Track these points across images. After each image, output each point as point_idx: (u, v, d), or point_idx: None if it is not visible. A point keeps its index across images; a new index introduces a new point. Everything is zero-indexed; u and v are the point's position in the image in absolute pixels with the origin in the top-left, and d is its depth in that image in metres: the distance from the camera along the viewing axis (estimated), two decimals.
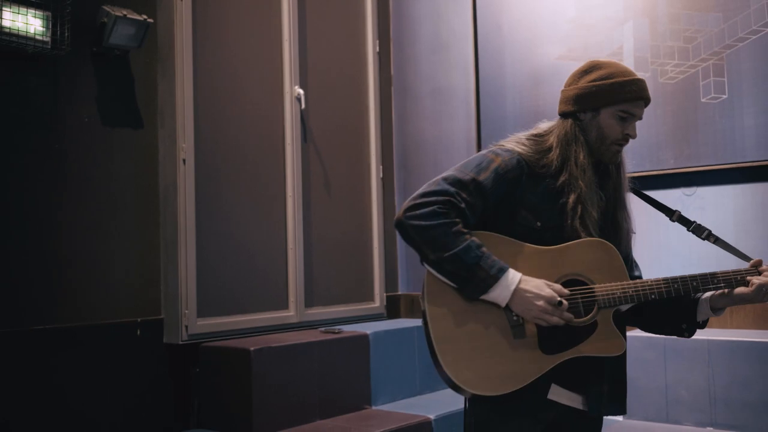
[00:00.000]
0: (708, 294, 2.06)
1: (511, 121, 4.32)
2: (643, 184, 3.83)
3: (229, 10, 3.94)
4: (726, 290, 2.03)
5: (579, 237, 1.97)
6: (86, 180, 3.42)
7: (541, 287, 1.90)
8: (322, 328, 4.08)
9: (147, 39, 3.52)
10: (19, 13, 3.11)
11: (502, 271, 1.89)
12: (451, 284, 1.92)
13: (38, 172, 3.27)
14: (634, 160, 3.92)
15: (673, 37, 3.80)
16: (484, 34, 4.47)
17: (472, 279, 1.89)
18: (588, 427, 2.08)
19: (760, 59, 3.54)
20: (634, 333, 3.59)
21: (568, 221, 1.98)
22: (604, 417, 2.12)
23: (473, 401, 2.03)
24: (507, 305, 1.91)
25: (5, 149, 3.18)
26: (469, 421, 2.05)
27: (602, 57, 3.99)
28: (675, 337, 3.39)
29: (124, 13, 3.38)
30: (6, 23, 3.08)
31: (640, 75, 3.87)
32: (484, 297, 1.91)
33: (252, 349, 3.45)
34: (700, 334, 3.38)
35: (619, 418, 3.52)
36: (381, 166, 4.71)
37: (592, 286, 1.96)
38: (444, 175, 1.97)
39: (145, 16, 3.46)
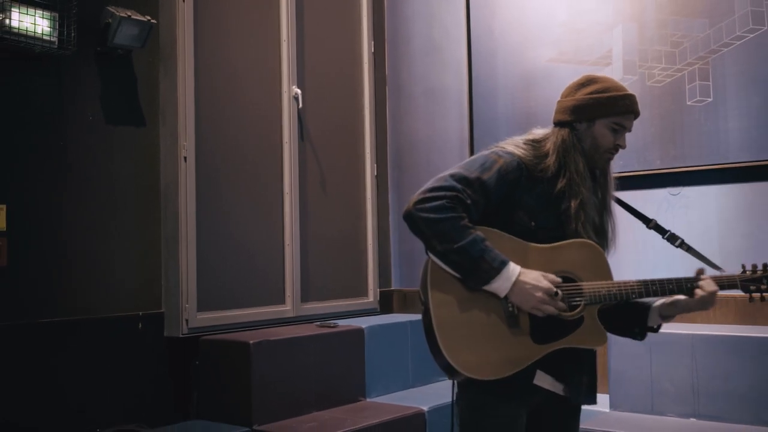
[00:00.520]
0: (659, 302, 2.21)
1: (503, 122, 4.43)
2: (630, 184, 4.00)
3: (229, 11, 4.03)
4: (674, 299, 2.19)
5: (578, 238, 2.11)
6: (89, 177, 3.50)
7: (539, 279, 2.03)
8: (318, 323, 4.18)
9: (150, 39, 3.61)
10: (27, 14, 3.19)
11: (504, 264, 2.01)
12: (456, 274, 2.03)
13: (43, 168, 3.35)
14: (622, 160, 4.03)
15: (661, 42, 3.92)
16: (477, 36, 4.58)
17: (476, 270, 2.01)
18: (567, 413, 2.24)
19: (744, 64, 3.67)
20: None
21: (572, 225, 2.12)
22: (588, 407, 2.29)
23: (464, 386, 2.16)
24: (506, 296, 2.04)
25: (12, 146, 3.26)
26: (460, 404, 2.17)
27: (593, 59, 4.12)
28: (662, 329, 3.55)
29: (129, 14, 3.47)
30: (14, 23, 3.16)
31: (628, 78, 4.01)
32: (486, 287, 2.03)
33: (251, 342, 3.55)
34: (684, 330, 3.54)
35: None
36: (375, 165, 4.82)
37: (580, 284, 2.09)
38: (451, 171, 2.07)
39: (148, 17, 3.54)
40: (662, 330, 3.52)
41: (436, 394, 4.10)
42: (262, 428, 3.50)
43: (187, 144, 3.74)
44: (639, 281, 2.13)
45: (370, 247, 4.75)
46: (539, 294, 2.01)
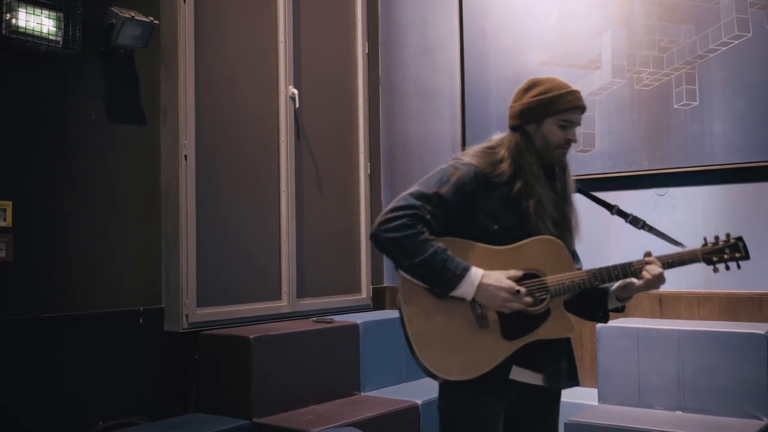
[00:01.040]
0: (615, 287, 2.32)
1: (495, 123, 4.53)
2: (618, 184, 4.15)
3: (229, 12, 4.11)
4: (627, 282, 2.28)
5: (539, 235, 2.22)
6: (92, 175, 3.57)
7: (501, 279, 2.16)
8: (314, 318, 4.26)
9: (151, 39, 3.67)
10: (33, 14, 3.24)
11: (466, 270, 2.15)
12: (423, 285, 2.19)
13: (47, 166, 3.41)
14: (611, 161, 4.17)
15: (649, 47, 4.04)
16: (470, 39, 4.68)
17: (441, 279, 2.15)
18: (547, 399, 2.34)
19: (730, 69, 3.80)
20: (610, 323, 3.83)
21: (532, 223, 2.22)
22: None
23: (445, 385, 2.27)
24: (473, 299, 2.16)
25: (17, 144, 3.32)
26: (441, 402, 2.30)
27: (583, 63, 4.24)
28: (646, 325, 3.65)
29: (132, 14, 3.53)
30: (21, 23, 3.22)
31: (617, 81, 4.13)
32: (453, 294, 2.17)
33: (251, 337, 3.63)
34: (670, 326, 3.66)
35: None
36: (369, 164, 4.91)
37: (544, 278, 2.20)
38: (411, 190, 2.22)
39: (151, 18, 3.61)
40: (649, 326, 3.69)
41: (428, 388, 4.18)
42: (261, 421, 3.58)
43: (187, 142, 3.81)
44: (588, 271, 2.23)
45: (364, 244, 4.84)
46: (502, 293, 2.14)
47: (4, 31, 3.20)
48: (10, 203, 3.25)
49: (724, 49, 3.82)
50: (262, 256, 4.22)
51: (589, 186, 4.16)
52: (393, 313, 4.62)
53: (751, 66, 3.74)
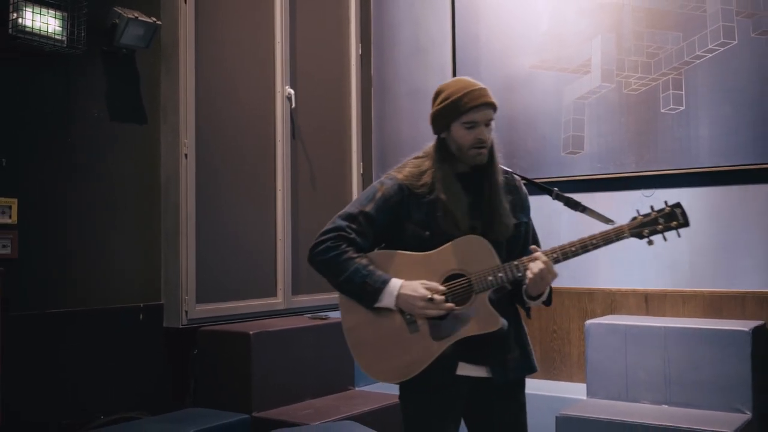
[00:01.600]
0: (524, 285, 2.34)
1: None
2: (606, 185, 4.28)
3: (227, 13, 4.17)
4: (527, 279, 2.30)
5: (456, 238, 2.29)
6: (94, 172, 3.62)
7: (416, 288, 2.25)
8: (309, 315, 4.34)
9: (154, 40, 3.73)
10: (40, 14, 3.29)
11: (385, 282, 2.27)
12: (354, 300, 2.33)
13: (51, 163, 3.46)
14: (600, 163, 4.29)
15: (637, 53, 4.17)
16: (462, 41, 4.78)
17: (364, 293, 2.29)
18: (506, 392, 2.36)
19: (715, 75, 3.93)
20: (598, 320, 3.97)
21: (443, 228, 2.29)
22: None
23: (400, 387, 2.39)
24: (399, 308, 2.27)
25: (23, 142, 3.36)
26: (400, 403, 2.42)
27: (573, 67, 4.36)
28: (634, 322, 3.77)
29: (136, 15, 3.58)
30: (27, 23, 3.26)
31: (606, 86, 4.24)
32: (378, 305, 2.29)
33: (252, 333, 3.71)
34: (657, 323, 3.79)
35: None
36: (361, 163, 4.99)
37: (468, 277, 2.26)
38: (341, 211, 2.37)
39: (154, 18, 3.67)
40: (637, 323, 3.82)
41: None
42: (260, 415, 3.66)
43: (188, 141, 3.88)
44: (491, 268, 2.24)
45: None
46: (418, 302, 2.23)
47: (10, 31, 3.24)
48: (15, 200, 3.29)
49: (710, 55, 3.95)
50: (259, 253, 4.29)
51: (579, 187, 4.37)
52: None
53: (736, 73, 3.88)
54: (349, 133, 4.94)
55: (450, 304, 2.24)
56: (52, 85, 3.47)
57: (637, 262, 4.19)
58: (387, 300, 2.26)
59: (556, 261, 2.23)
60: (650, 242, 2.25)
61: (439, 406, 2.33)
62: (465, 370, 2.30)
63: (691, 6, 4.00)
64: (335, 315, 4.39)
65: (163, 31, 3.88)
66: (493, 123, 2.34)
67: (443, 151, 2.35)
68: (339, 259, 2.29)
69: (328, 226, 2.34)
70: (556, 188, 2.48)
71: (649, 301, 4.14)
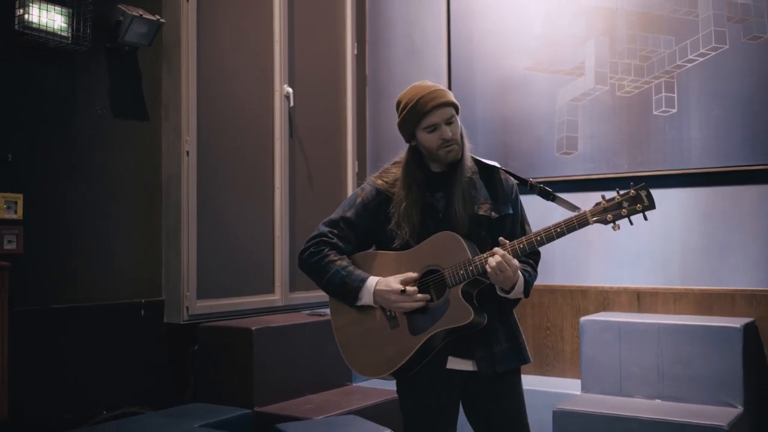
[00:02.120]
0: None
1: (481, 126, 4.72)
2: (599, 186, 4.37)
3: (228, 12, 4.20)
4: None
5: (416, 240, 2.35)
6: (96, 169, 3.64)
7: (389, 283, 2.32)
8: (307, 311, 4.39)
9: (156, 38, 3.75)
10: (46, 10, 3.30)
11: (363, 281, 2.36)
12: (338, 300, 2.44)
13: (55, 160, 3.47)
14: (593, 164, 4.38)
15: (630, 56, 4.26)
16: (457, 42, 4.85)
17: (344, 293, 2.39)
18: (501, 384, 2.40)
19: (707, 79, 4.04)
20: (593, 317, 4.05)
21: (405, 229, 2.36)
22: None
23: (396, 383, 2.47)
24: (379, 305, 2.36)
25: (28, 138, 3.37)
26: (398, 397, 2.50)
27: (567, 70, 4.45)
28: (627, 318, 3.84)
29: (140, 13, 3.61)
30: (34, 19, 3.27)
31: (599, 88, 4.33)
32: (358, 304, 2.39)
33: (254, 329, 3.75)
34: (650, 319, 3.88)
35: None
36: (356, 162, 5.04)
37: (442, 272, 2.32)
38: (325, 218, 2.49)
39: (158, 16, 3.69)
40: (630, 320, 3.91)
41: None
42: (262, 410, 3.70)
43: (189, 139, 3.90)
44: (462, 261, 2.27)
45: None
46: (391, 296, 2.31)
47: (17, 26, 3.25)
48: (21, 196, 3.30)
49: (701, 59, 4.06)
50: (257, 250, 4.32)
51: (572, 187, 4.45)
52: None
53: (727, 76, 3.98)
54: (345, 132, 4.99)
55: (423, 296, 2.30)
56: (57, 82, 3.48)
57: (630, 260, 4.28)
58: (366, 297, 2.36)
59: (523, 251, 2.25)
60: (616, 227, 2.21)
61: (433, 400, 2.40)
62: (454, 363, 2.37)
63: (684, 11, 4.10)
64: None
65: (165, 30, 3.90)
66: (455, 118, 2.37)
67: (415, 157, 2.43)
68: (321, 263, 2.40)
69: (313, 233, 2.47)
70: (529, 179, 2.50)
71: (641, 299, 4.23)
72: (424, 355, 2.32)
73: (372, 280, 2.35)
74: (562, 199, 2.38)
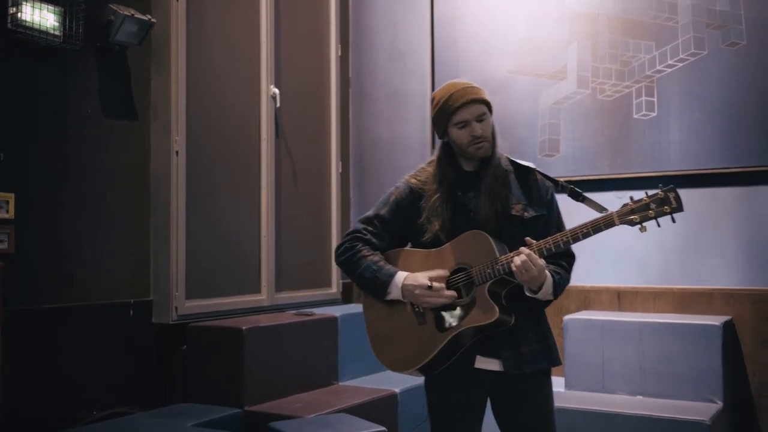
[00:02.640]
0: None
1: None
2: (581, 187, 4.37)
3: (216, 12, 4.21)
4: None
5: (446, 236, 2.40)
6: (86, 169, 3.61)
7: (417, 278, 2.38)
8: (294, 311, 4.41)
9: (147, 37, 3.75)
10: (39, 9, 3.28)
11: (392, 275, 2.43)
12: (369, 295, 2.51)
13: (46, 159, 3.45)
14: (574, 166, 4.47)
15: (612, 60, 4.37)
16: (440, 46, 4.91)
17: (375, 288, 2.46)
18: (531, 384, 2.43)
19: (686, 84, 4.16)
20: (576, 316, 4.14)
21: (435, 224, 2.43)
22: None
23: (425, 380, 2.53)
24: (407, 300, 2.41)
25: (20, 137, 3.34)
26: (426, 394, 2.55)
27: (550, 73, 4.53)
28: (610, 317, 3.92)
29: (132, 12, 3.60)
30: (26, 17, 3.25)
31: (581, 92, 4.42)
32: (387, 298, 2.45)
33: (244, 328, 3.76)
34: (632, 318, 3.97)
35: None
36: (340, 163, 5.08)
37: (470, 270, 2.37)
38: (362, 215, 2.58)
39: (149, 16, 3.69)
40: (613, 318, 4.01)
41: (403, 377, 4.38)
42: (252, 409, 3.71)
43: (179, 139, 3.90)
44: (490, 261, 2.30)
45: (334, 241, 5.00)
46: (418, 291, 2.36)
47: (9, 25, 3.23)
48: (12, 195, 3.27)
49: (681, 65, 4.18)
50: (244, 250, 4.34)
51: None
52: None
53: (706, 81, 4.11)
54: (329, 133, 5.02)
55: (450, 292, 2.34)
56: (48, 81, 3.46)
57: (610, 260, 4.38)
58: (395, 292, 2.41)
59: (549, 251, 2.26)
60: (643, 228, 2.22)
61: (460, 398, 2.44)
62: (481, 363, 2.40)
63: (664, 17, 4.22)
64: (320, 311, 4.47)
65: (154, 29, 3.88)
66: (487, 116, 2.40)
67: (447, 153, 2.48)
68: (354, 258, 2.48)
69: (349, 229, 2.57)
70: (560, 180, 2.51)
71: (621, 298, 4.34)
72: (450, 352, 2.36)
73: (401, 275, 2.41)
74: (591, 200, 2.38)
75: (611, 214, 2.24)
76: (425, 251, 2.45)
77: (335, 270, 5.00)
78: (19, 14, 3.24)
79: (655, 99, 4.25)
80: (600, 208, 2.32)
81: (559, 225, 2.50)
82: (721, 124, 4.08)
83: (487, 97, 2.43)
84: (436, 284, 2.34)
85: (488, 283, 2.31)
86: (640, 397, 3.85)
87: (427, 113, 4.97)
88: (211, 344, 3.86)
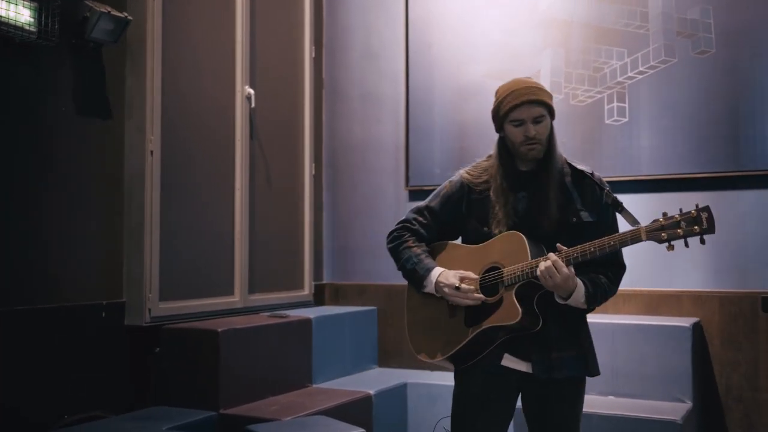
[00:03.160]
0: None
1: (438, 130, 4.82)
2: None
3: (192, 11, 4.17)
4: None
5: (493, 235, 2.44)
6: (59, 167, 3.54)
7: (447, 277, 2.45)
8: (268, 313, 4.39)
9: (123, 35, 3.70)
10: (14, 3, 3.21)
11: (429, 270, 2.51)
12: (409, 283, 2.61)
13: (19, 157, 3.38)
14: None
15: (584, 66, 4.44)
16: (415, 48, 4.93)
17: (414, 279, 2.57)
18: (562, 390, 2.45)
19: (656, 90, 4.24)
20: None
21: (491, 224, 2.46)
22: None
23: (455, 370, 2.57)
24: (440, 295, 2.49)
25: None
26: (454, 382, 2.59)
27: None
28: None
29: (108, 9, 3.55)
30: (1, 12, 3.18)
31: (554, 97, 4.48)
32: (424, 291, 2.54)
33: (220, 330, 3.73)
34: (604, 319, 4.03)
35: None
36: (313, 164, 5.06)
37: (502, 270, 2.39)
38: (415, 205, 2.66)
39: (125, 14, 3.64)
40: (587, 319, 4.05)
41: (377, 379, 4.43)
42: (228, 412, 3.68)
43: (154, 138, 3.85)
44: (522, 263, 2.33)
45: (307, 243, 4.99)
46: (447, 289, 2.44)
47: None
48: None
49: (652, 72, 4.26)
50: (218, 251, 4.30)
51: None
52: (338, 309, 4.82)
53: (676, 88, 4.20)
54: (303, 134, 5.01)
55: (478, 295, 2.39)
56: (22, 77, 3.38)
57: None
58: (429, 286, 2.50)
59: (575, 260, 2.25)
60: (670, 247, 2.18)
61: (483, 392, 2.47)
62: (509, 361, 2.43)
63: (635, 25, 4.30)
64: (294, 313, 4.46)
65: (130, 27, 3.83)
66: (545, 119, 2.41)
67: (503, 150, 2.50)
68: (400, 248, 2.59)
69: (402, 217, 2.66)
70: (607, 188, 2.46)
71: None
72: (476, 347, 2.42)
73: (436, 271, 2.48)
74: (628, 212, 2.32)
75: (639, 229, 2.22)
76: (468, 247, 2.52)
77: (308, 271, 4.99)
78: None
79: (626, 105, 4.33)
80: (633, 221, 2.28)
81: (612, 232, 2.40)
82: (689, 130, 4.17)
83: (550, 101, 2.43)
84: (464, 285, 2.41)
85: (516, 285, 2.34)
86: (612, 397, 3.91)
87: (401, 115, 4.99)
88: (185, 347, 3.82)
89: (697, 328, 3.99)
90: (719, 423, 4.05)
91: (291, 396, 4.05)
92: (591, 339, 2.55)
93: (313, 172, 5.06)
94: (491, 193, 2.46)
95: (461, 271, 2.45)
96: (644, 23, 4.28)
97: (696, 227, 2.14)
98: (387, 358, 4.91)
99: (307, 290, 4.99)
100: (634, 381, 3.90)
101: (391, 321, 4.88)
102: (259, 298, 4.58)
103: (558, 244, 2.29)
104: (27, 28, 3.29)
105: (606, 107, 4.39)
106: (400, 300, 4.95)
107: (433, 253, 2.58)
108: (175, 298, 3.99)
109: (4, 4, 3.19)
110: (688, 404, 3.75)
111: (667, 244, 2.18)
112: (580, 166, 2.51)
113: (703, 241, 2.16)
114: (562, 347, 2.42)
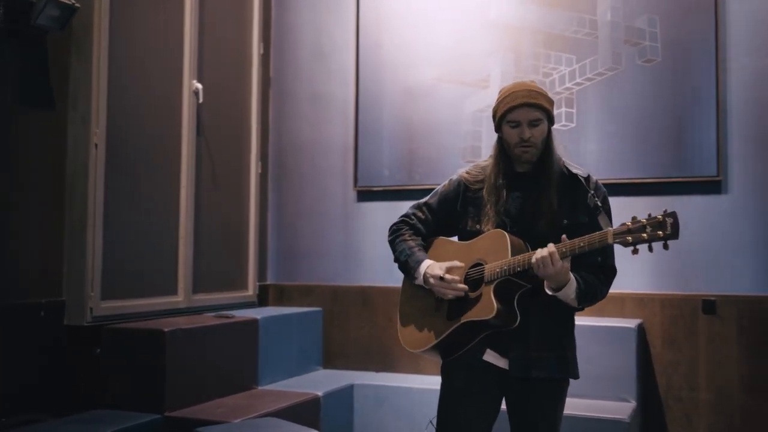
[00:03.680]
0: None
1: (388, 131, 4.80)
2: None
3: (141, 1, 4.04)
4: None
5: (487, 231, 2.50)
6: None
7: (434, 269, 2.51)
8: (213, 313, 4.28)
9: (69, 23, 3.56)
10: None
11: (419, 263, 2.58)
12: (404, 275, 2.68)
13: None
14: None
15: (534, 72, 4.50)
16: (366, 49, 4.91)
17: (406, 270, 2.65)
18: (544, 390, 2.49)
19: (603, 96, 4.33)
20: None
21: (491, 219, 2.50)
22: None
23: (442, 362, 2.62)
24: (428, 287, 2.54)
25: None
26: (441, 375, 2.63)
27: (472, 82, 4.62)
28: None
29: None
30: None
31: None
32: (416, 282, 2.61)
33: (166, 330, 3.62)
34: None
35: None
36: (260, 163, 4.98)
37: (484, 267, 2.45)
38: (416, 201, 2.75)
39: (73, 1, 3.50)
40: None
41: (324, 381, 4.38)
42: (174, 414, 3.57)
43: (99, 131, 3.72)
44: (503, 261, 2.37)
45: (252, 243, 4.90)
46: (432, 280, 2.50)
47: None
48: None
49: (599, 78, 4.35)
50: (162, 250, 4.18)
51: None
52: (283, 309, 4.75)
53: (622, 95, 4.29)
54: (249, 132, 4.92)
55: (462, 286, 2.43)
56: None
57: None
58: (419, 278, 2.56)
59: (563, 255, 2.25)
60: (635, 251, 2.19)
61: (464, 386, 2.51)
62: (490, 357, 2.48)
63: (584, 32, 4.38)
64: (240, 314, 4.37)
65: (77, 15, 3.68)
66: (542, 123, 2.44)
67: (501, 150, 2.54)
68: (395, 240, 2.69)
69: (403, 212, 2.73)
70: (592, 192, 2.44)
71: None
72: (458, 341, 2.47)
73: (425, 264, 2.55)
74: (603, 216, 2.30)
75: (607, 232, 2.21)
76: (459, 243, 2.58)
77: (252, 272, 4.90)
78: None
79: (574, 110, 4.41)
80: (606, 225, 2.28)
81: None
82: (635, 136, 4.27)
83: (549, 106, 2.46)
84: (448, 276, 2.45)
85: (495, 282, 2.38)
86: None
87: (350, 116, 4.95)
88: (129, 347, 3.70)
89: (640, 329, 4.08)
90: (659, 422, 4.16)
91: (237, 398, 3.96)
92: (575, 342, 2.60)
93: (260, 171, 4.98)
94: (484, 192, 2.52)
95: (446, 263, 2.51)
96: (593, 30, 4.36)
97: (660, 232, 2.14)
98: (332, 359, 4.86)
99: (251, 291, 4.90)
100: (581, 381, 3.93)
101: (336, 322, 4.83)
102: (203, 298, 4.47)
103: (563, 236, 2.29)
104: None
105: (553, 112, 4.43)
106: (346, 301, 4.95)
107: (428, 248, 2.65)
108: (117, 297, 3.86)
109: None
110: (633, 403, 3.83)
111: (632, 247, 2.19)
112: (575, 170, 2.55)
113: (666, 247, 2.16)
114: (541, 348, 2.45)
